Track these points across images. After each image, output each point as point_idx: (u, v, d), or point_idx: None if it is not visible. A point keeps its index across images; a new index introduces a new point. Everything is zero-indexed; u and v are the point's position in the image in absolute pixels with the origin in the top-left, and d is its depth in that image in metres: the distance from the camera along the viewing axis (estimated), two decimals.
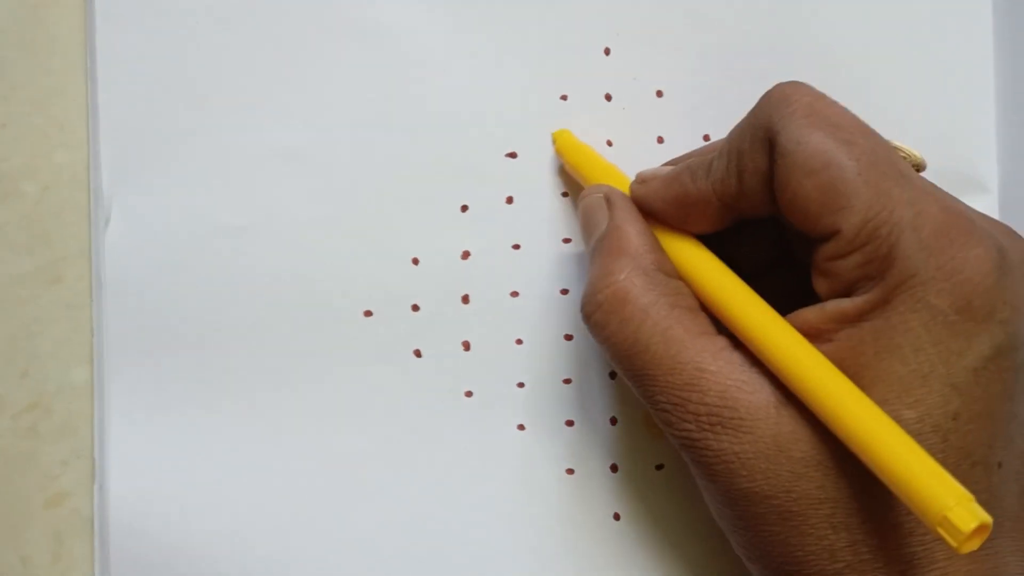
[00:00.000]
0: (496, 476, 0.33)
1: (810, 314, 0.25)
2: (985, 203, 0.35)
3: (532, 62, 0.33)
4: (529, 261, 0.33)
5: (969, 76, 0.35)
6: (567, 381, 0.33)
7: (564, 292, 0.33)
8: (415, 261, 0.33)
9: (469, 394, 0.33)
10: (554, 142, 0.33)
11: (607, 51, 0.34)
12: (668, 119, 0.34)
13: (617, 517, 0.33)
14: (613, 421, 0.33)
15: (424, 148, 0.33)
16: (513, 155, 0.33)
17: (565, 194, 0.33)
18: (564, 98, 0.33)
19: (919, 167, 0.28)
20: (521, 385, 0.33)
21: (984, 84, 0.35)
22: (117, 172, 0.32)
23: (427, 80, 0.33)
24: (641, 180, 0.29)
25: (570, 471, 0.33)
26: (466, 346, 0.33)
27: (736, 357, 0.26)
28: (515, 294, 0.33)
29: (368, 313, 0.32)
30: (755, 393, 0.25)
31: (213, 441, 0.32)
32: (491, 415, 0.33)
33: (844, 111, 0.26)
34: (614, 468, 0.33)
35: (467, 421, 0.33)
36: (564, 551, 0.33)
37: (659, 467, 0.33)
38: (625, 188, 0.30)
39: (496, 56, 0.33)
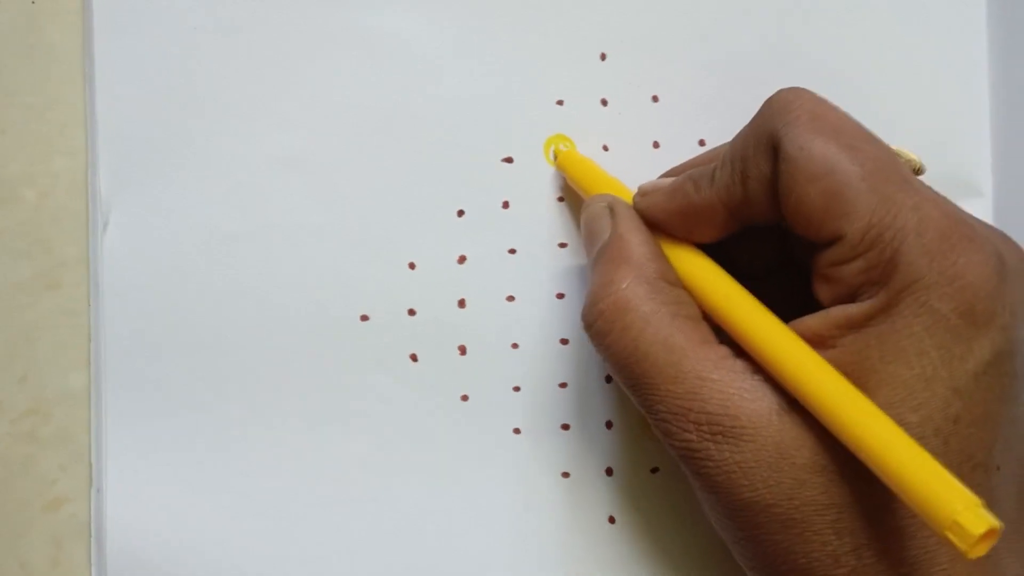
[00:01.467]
0: (492, 480, 0.33)
1: (813, 321, 0.25)
2: (979, 207, 0.35)
3: (528, 67, 0.33)
4: (525, 265, 0.33)
5: (963, 81, 0.35)
6: (563, 385, 0.33)
7: (560, 296, 0.33)
8: (411, 266, 0.33)
9: (465, 398, 0.33)
10: (555, 157, 0.33)
11: (603, 56, 0.34)
12: (664, 124, 0.34)
13: (612, 520, 0.33)
14: (608, 425, 0.33)
15: (421, 153, 0.33)
16: (509, 160, 0.33)
17: (561, 199, 0.33)
18: (560, 103, 0.33)
19: (919, 171, 0.29)
20: (517, 389, 0.33)
21: (978, 89, 0.35)
22: (115, 178, 0.32)
23: (424, 86, 0.33)
24: (643, 193, 0.29)
25: (566, 475, 0.33)
26: (462, 350, 0.33)
27: (738, 365, 0.26)
28: (511, 298, 0.33)
29: (364, 317, 0.33)
30: (757, 401, 0.25)
31: (210, 446, 0.32)
32: (487, 419, 0.33)
33: (846, 116, 0.26)
34: (609, 472, 0.33)
35: (463, 425, 0.33)
36: (559, 554, 0.33)
37: (654, 471, 0.33)
38: (628, 199, 0.30)
39: (492, 61, 0.33)
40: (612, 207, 0.29)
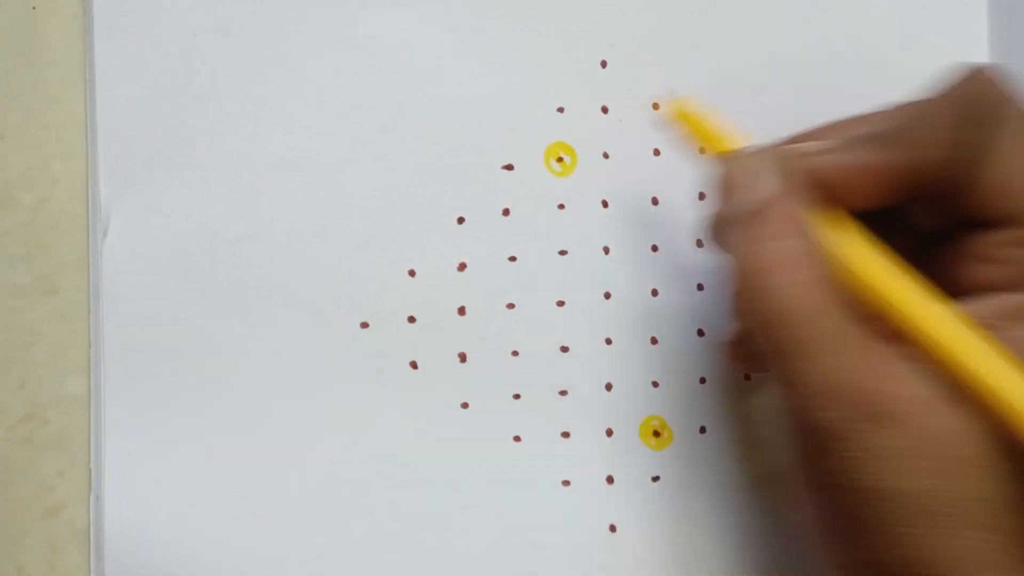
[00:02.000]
0: (492, 488, 0.33)
1: (976, 306, 0.25)
2: None
3: (529, 74, 0.33)
4: (525, 273, 0.33)
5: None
6: (563, 393, 0.33)
7: (560, 304, 0.33)
8: (411, 273, 0.33)
9: (465, 406, 0.33)
10: (672, 110, 0.31)
11: (603, 64, 0.34)
12: (664, 131, 0.34)
13: (613, 529, 0.33)
14: (609, 433, 0.33)
15: (421, 160, 0.33)
16: (510, 167, 0.33)
17: (561, 206, 0.33)
18: (561, 110, 0.33)
19: None
20: (517, 397, 0.33)
21: None
22: (115, 182, 0.32)
23: (424, 92, 0.33)
24: (808, 153, 0.27)
25: (566, 483, 0.33)
26: (462, 358, 0.33)
27: (900, 349, 0.25)
28: (511, 306, 0.33)
29: (364, 324, 0.33)
30: (919, 386, 0.24)
31: (209, 452, 0.32)
32: (487, 426, 0.33)
33: None
34: (610, 480, 0.33)
35: (463, 432, 0.33)
36: (560, 563, 0.33)
37: (655, 479, 0.33)
38: None
39: (493, 68, 0.33)
40: (784, 163, 0.27)
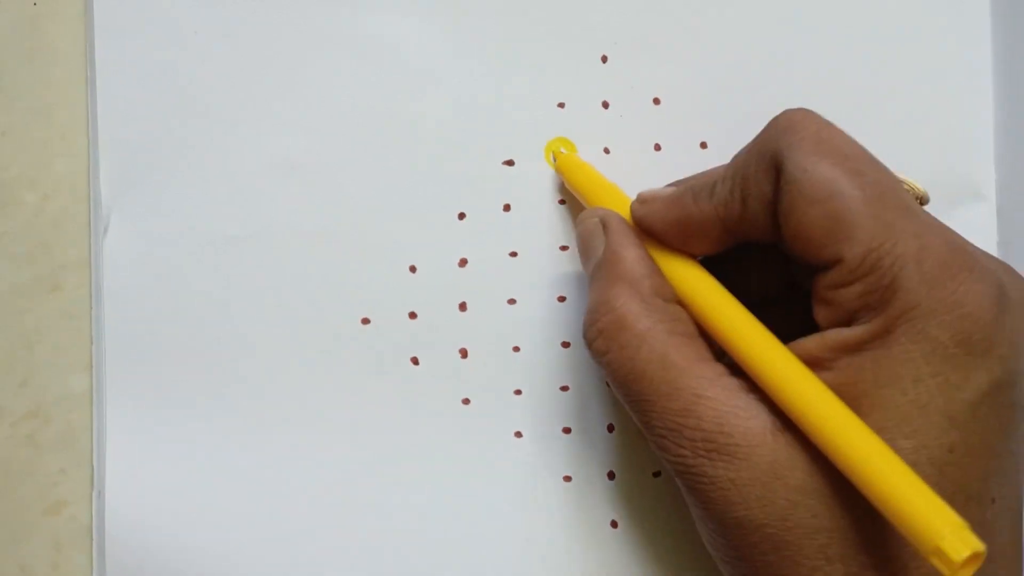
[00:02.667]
0: (493, 484, 0.33)
1: (810, 343, 0.25)
2: (982, 211, 0.35)
3: (530, 70, 0.33)
4: (526, 268, 0.33)
5: (967, 84, 0.35)
6: (564, 388, 0.33)
7: (561, 299, 0.33)
8: (412, 269, 0.33)
9: (466, 401, 0.33)
10: (554, 159, 0.33)
11: (604, 59, 0.34)
12: (665, 127, 0.34)
13: (615, 524, 0.33)
14: (610, 428, 0.33)
15: (422, 156, 0.33)
16: (510, 163, 0.33)
17: (562, 201, 0.33)
18: (561, 106, 0.33)
19: (923, 200, 0.28)
20: (518, 392, 0.33)
21: (982, 91, 0.35)
22: (116, 182, 0.32)
23: (425, 89, 0.33)
24: (642, 200, 0.29)
25: (567, 478, 0.33)
26: (463, 354, 0.33)
27: (734, 383, 0.26)
28: (512, 301, 0.33)
29: (366, 321, 0.33)
30: (752, 419, 0.25)
31: (211, 450, 0.32)
32: (488, 422, 0.33)
33: (851, 141, 0.26)
34: (611, 475, 0.33)
35: (464, 428, 0.33)
36: (562, 558, 0.32)
37: (656, 474, 0.33)
38: (626, 208, 0.30)
39: (494, 64, 0.33)
40: (605, 221, 0.29)
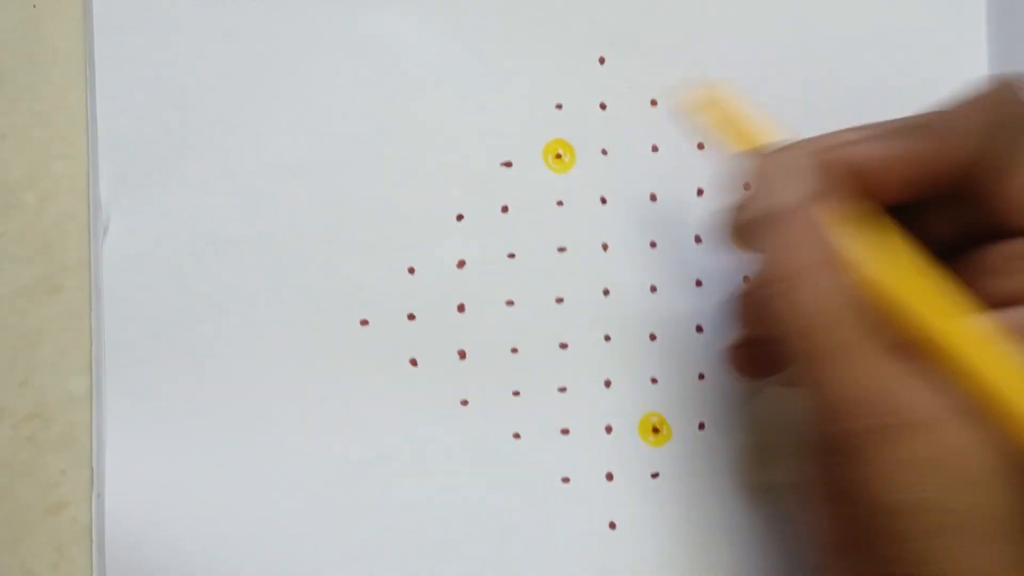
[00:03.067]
0: (491, 485, 0.33)
1: (1006, 317, 0.25)
2: None
3: (527, 71, 0.33)
4: (524, 270, 0.33)
5: (963, 82, 0.35)
6: (562, 390, 0.33)
7: (559, 301, 0.33)
8: (411, 270, 0.33)
9: (465, 403, 0.33)
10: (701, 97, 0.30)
11: (602, 60, 0.34)
12: (663, 128, 0.34)
13: (613, 526, 0.33)
14: (608, 430, 0.33)
15: (419, 158, 0.33)
16: (508, 164, 0.33)
17: (560, 203, 0.33)
18: (559, 107, 0.33)
19: None
20: (516, 394, 0.33)
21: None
22: (116, 183, 0.32)
23: (422, 90, 0.33)
24: (843, 143, 0.27)
25: (566, 479, 0.33)
26: (461, 355, 0.33)
27: (918, 364, 0.25)
28: (510, 303, 0.33)
29: (364, 322, 0.33)
30: (936, 398, 0.24)
31: (211, 451, 0.32)
32: (486, 423, 0.33)
33: None
34: (609, 476, 0.33)
35: (462, 429, 0.33)
36: (559, 560, 0.32)
37: (654, 475, 0.33)
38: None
39: (491, 66, 0.33)
40: (819, 156, 0.27)
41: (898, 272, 0.26)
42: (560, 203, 0.33)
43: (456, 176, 0.33)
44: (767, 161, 0.28)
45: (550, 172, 0.33)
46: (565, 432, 0.33)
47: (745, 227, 0.28)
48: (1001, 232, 0.25)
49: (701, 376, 0.34)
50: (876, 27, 0.35)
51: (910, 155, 0.26)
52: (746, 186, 0.28)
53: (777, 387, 0.33)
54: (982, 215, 0.26)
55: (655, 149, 0.34)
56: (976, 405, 0.24)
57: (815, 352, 0.25)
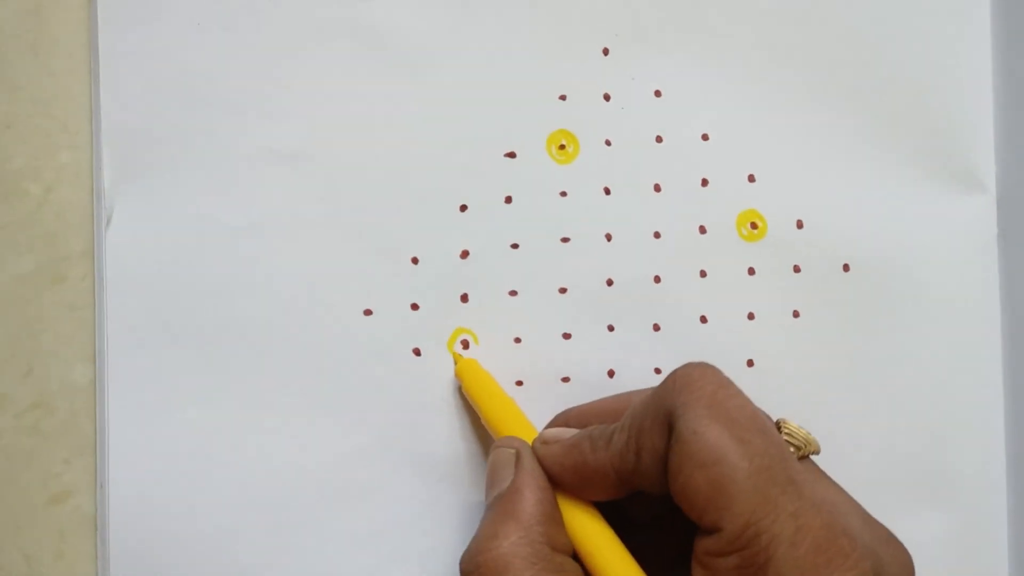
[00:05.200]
0: None
1: None
2: (982, 202, 0.35)
3: (531, 62, 0.33)
4: (527, 260, 0.33)
5: (967, 77, 0.35)
6: (565, 380, 0.33)
7: (562, 291, 0.33)
8: (415, 260, 0.33)
9: None
10: (455, 363, 0.33)
11: (606, 51, 0.34)
12: (666, 119, 0.34)
13: None
14: None
15: (423, 148, 0.33)
16: (512, 155, 0.33)
17: (563, 193, 0.33)
18: (563, 98, 0.33)
19: (815, 452, 0.28)
20: (520, 383, 0.33)
21: (982, 85, 0.35)
22: (119, 172, 0.32)
23: (426, 80, 0.33)
24: (543, 441, 0.29)
25: None
26: (465, 345, 0.33)
27: None
28: (514, 293, 0.33)
29: (368, 312, 0.33)
30: None
31: (214, 439, 0.32)
32: None
33: (746, 404, 0.26)
34: None
35: (467, 419, 0.33)
36: None
37: None
38: (523, 433, 0.30)
39: (496, 56, 0.33)
40: (520, 455, 0.29)
41: (602, 559, 0.27)
42: (564, 193, 0.33)
43: (460, 166, 0.33)
44: (494, 454, 0.30)
45: (554, 162, 0.33)
46: None
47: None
48: (696, 527, 0.26)
49: None
50: (879, 21, 0.35)
51: (577, 465, 0.28)
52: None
53: None
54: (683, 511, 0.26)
55: (659, 140, 0.34)
56: None
57: None
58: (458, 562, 0.27)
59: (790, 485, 0.25)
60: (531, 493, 0.28)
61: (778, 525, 0.24)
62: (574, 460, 0.28)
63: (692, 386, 0.26)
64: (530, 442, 0.29)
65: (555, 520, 0.28)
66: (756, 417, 0.26)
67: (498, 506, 0.28)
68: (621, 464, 0.27)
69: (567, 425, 0.30)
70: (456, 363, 0.33)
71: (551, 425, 0.30)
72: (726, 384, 0.26)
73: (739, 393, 0.26)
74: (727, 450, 0.25)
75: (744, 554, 0.24)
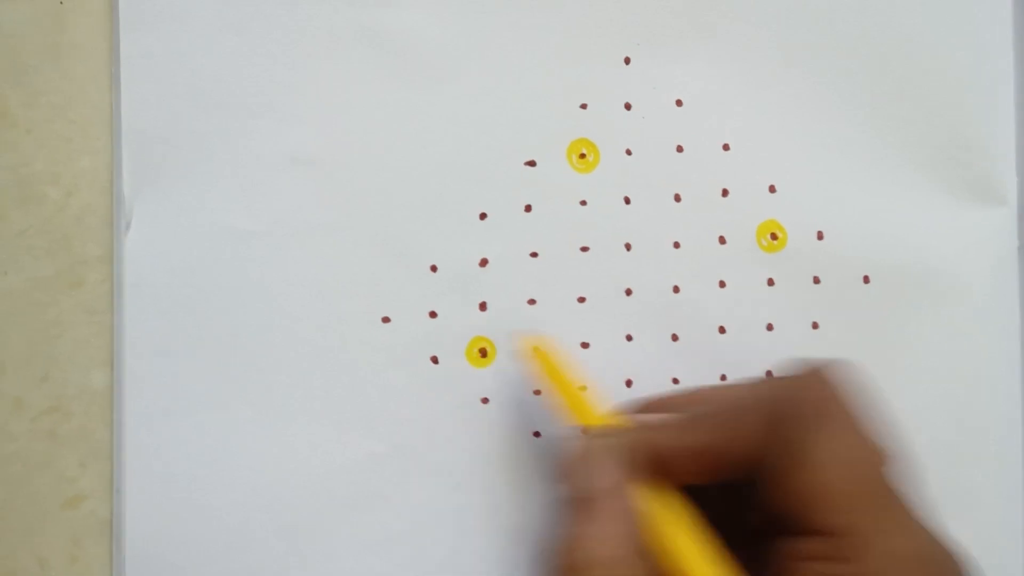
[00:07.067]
0: (510, 483, 0.33)
1: None
2: (1003, 215, 0.35)
3: (552, 71, 0.33)
4: (547, 269, 0.33)
5: (989, 87, 0.35)
6: (583, 389, 0.33)
7: (581, 300, 0.33)
8: (433, 268, 0.33)
9: (486, 400, 0.33)
10: (525, 350, 0.32)
11: (627, 60, 0.34)
12: (687, 128, 0.34)
13: None
14: None
15: (443, 156, 0.33)
16: (532, 163, 0.33)
17: (583, 202, 0.33)
18: (584, 107, 0.33)
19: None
20: (537, 392, 0.33)
21: (1004, 95, 0.35)
22: (139, 177, 0.32)
23: (447, 87, 0.33)
24: (651, 428, 0.29)
25: None
26: (483, 353, 0.33)
27: None
28: (532, 302, 0.33)
29: (386, 319, 0.33)
30: None
31: (230, 445, 0.32)
32: (507, 422, 0.33)
33: (861, 412, 0.27)
34: None
35: (483, 427, 0.33)
36: None
37: None
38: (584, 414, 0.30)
39: (517, 65, 0.33)
40: (618, 450, 0.28)
41: (689, 560, 0.27)
42: (583, 202, 0.33)
43: (479, 174, 0.33)
44: (585, 445, 0.29)
45: (574, 171, 0.33)
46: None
47: (561, 503, 0.29)
48: (792, 527, 0.26)
49: (723, 377, 0.34)
50: (899, 25, 0.35)
51: (699, 446, 0.28)
52: (562, 468, 0.29)
53: None
54: (773, 509, 0.26)
55: (680, 149, 0.34)
56: None
57: None
58: (550, 556, 0.27)
59: (896, 501, 0.26)
60: (626, 491, 0.28)
61: (878, 541, 0.25)
62: (699, 440, 0.28)
63: (825, 402, 0.27)
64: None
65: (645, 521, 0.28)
66: (872, 426, 0.26)
67: (596, 506, 0.27)
68: (748, 449, 0.27)
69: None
70: (523, 343, 0.32)
71: (645, 426, 0.29)
72: (844, 390, 0.27)
73: (856, 400, 0.27)
74: (850, 459, 0.25)
75: (836, 563, 0.25)
